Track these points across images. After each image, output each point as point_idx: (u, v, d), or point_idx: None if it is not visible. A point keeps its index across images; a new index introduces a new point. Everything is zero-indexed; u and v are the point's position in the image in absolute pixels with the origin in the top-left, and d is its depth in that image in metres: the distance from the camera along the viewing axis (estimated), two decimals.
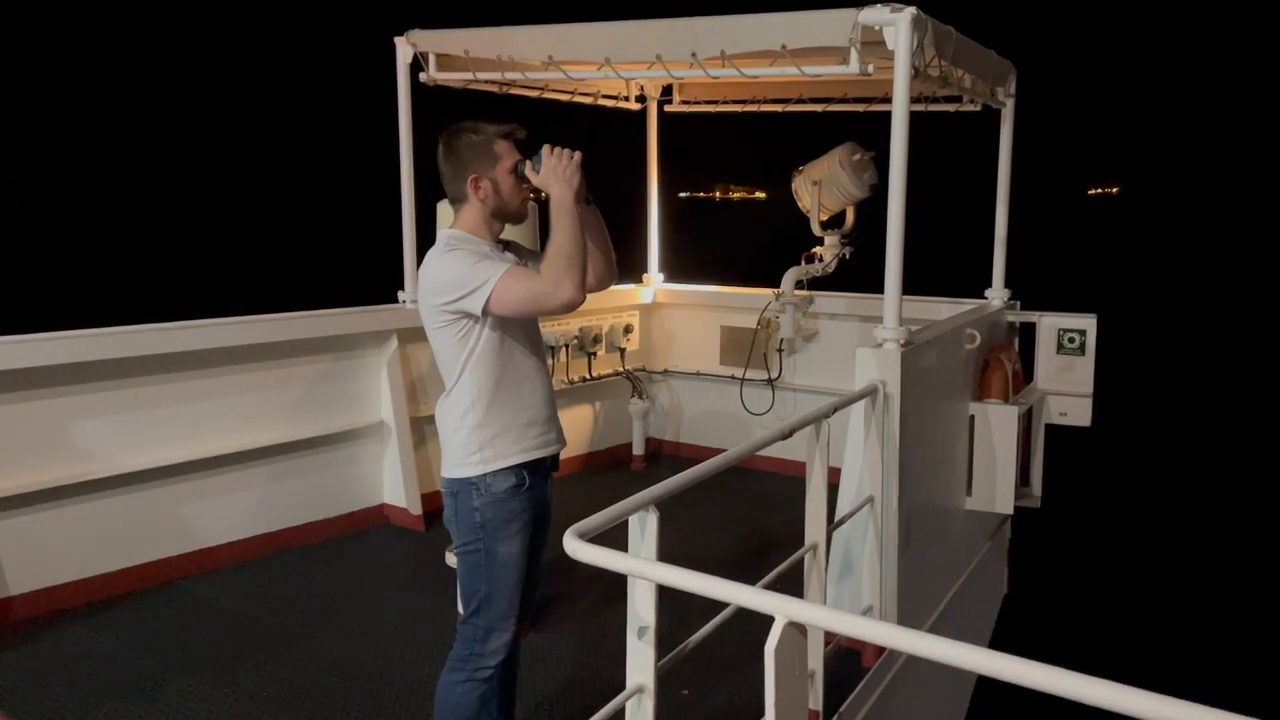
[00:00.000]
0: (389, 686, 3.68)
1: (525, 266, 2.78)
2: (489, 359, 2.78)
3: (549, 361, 4.58)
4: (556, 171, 2.73)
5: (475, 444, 2.78)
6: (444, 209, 4.94)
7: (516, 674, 3.08)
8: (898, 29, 3.63)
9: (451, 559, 2.74)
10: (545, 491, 2.91)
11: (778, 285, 6.19)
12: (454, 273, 2.71)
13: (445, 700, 2.81)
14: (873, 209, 5.47)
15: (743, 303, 6.65)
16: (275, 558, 4.92)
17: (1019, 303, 5.81)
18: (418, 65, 4.86)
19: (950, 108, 5.51)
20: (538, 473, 2.86)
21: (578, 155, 2.76)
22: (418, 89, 4.86)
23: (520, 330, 2.86)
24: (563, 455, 6.63)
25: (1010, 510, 4.98)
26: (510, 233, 3.86)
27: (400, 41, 4.86)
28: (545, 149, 2.77)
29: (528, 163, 2.80)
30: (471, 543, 2.78)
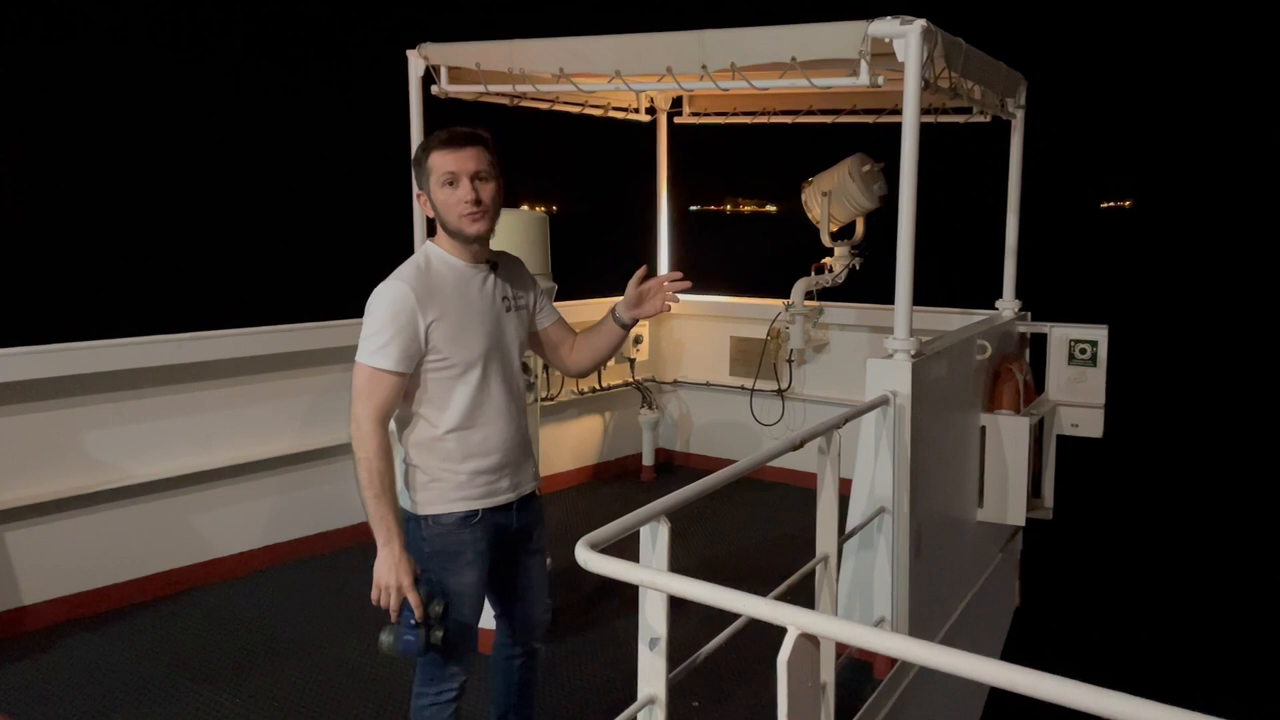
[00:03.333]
0: (397, 695, 3.68)
1: (389, 380, 2.53)
2: (435, 403, 2.63)
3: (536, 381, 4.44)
4: (385, 565, 2.52)
5: (418, 484, 2.66)
6: None
7: (533, 690, 3.05)
8: (908, 41, 3.63)
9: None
10: (509, 519, 2.74)
11: (787, 296, 6.19)
12: (369, 317, 2.58)
13: None
14: (882, 220, 5.47)
15: (752, 313, 6.65)
16: (286, 568, 4.93)
17: (1030, 314, 5.79)
18: (430, 78, 4.88)
19: (960, 119, 5.51)
20: (495, 507, 2.71)
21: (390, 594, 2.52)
22: (430, 101, 4.88)
23: (480, 371, 2.64)
24: (572, 466, 6.68)
25: (1022, 522, 4.96)
26: (524, 243, 3.83)
27: (412, 54, 4.88)
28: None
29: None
30: (422, 572, 2.64)
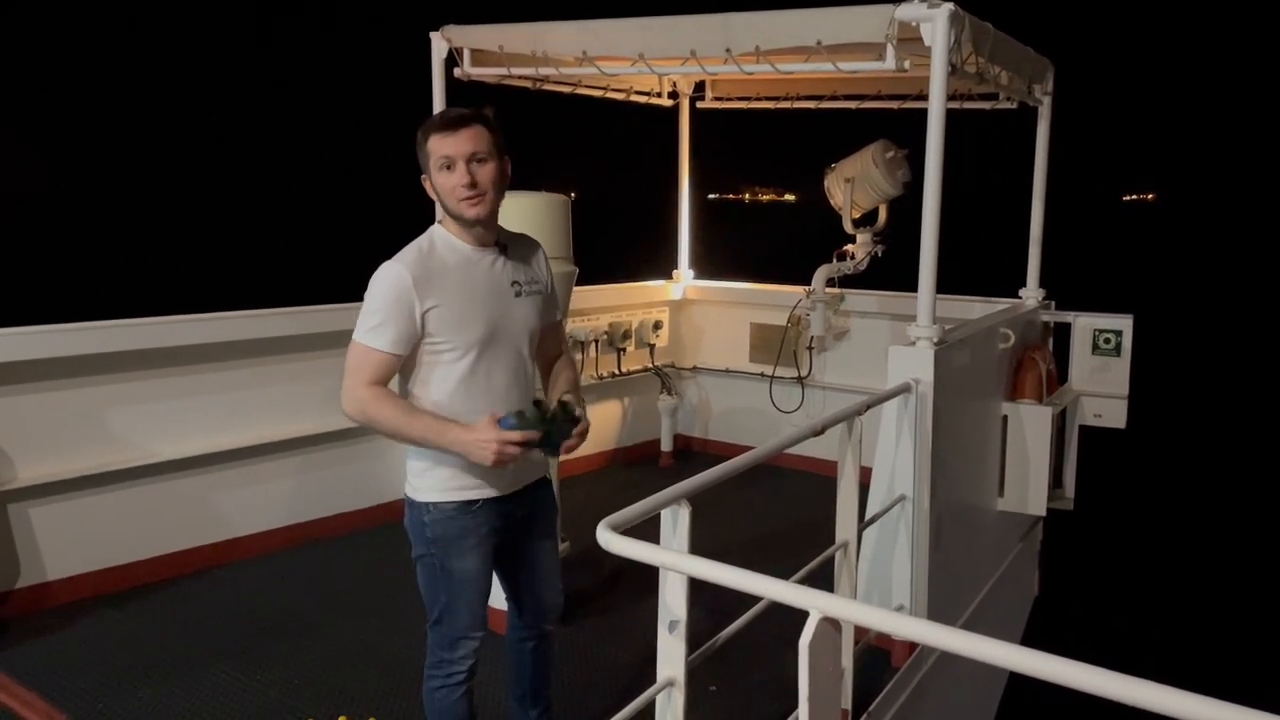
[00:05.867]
0: (413, 673, 3.69)
1: (383, 359, 2.50)
2: (429, 385, 2.59)
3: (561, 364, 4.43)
4: (475, 446, 2.45)
5: (416, 469, 2.64)
6: None
7: (548, 671, 3.05)
8: (935, 25, 3.60)
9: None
10: (514, 506, 2.71)
11: (808, 283, 6.16)
12: (367, 296, 2.55)
13: (431, 706, 2.77)
14: (905, 207, 5.43)
15: (773, 300, 6.62)
16: (305, 548, 4.96)
17: (1054, 303, 5.74)
18: (453, 60, 4.88)
19: (986, 105, 5.45)
20: (497, 496, 2.67)
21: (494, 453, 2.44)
22: (453, 84, 4.87)
23: (478, 355, 2.59)
24: (590, 451, 6.69)
25: (1042, 512, 4.93)
26: (545, 227, 3.80)
27: (435, 37, 4.87)
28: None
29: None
30: (426, 556, 2.66)
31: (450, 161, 2.52)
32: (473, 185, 2.51)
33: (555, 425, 2.52)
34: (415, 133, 2.64)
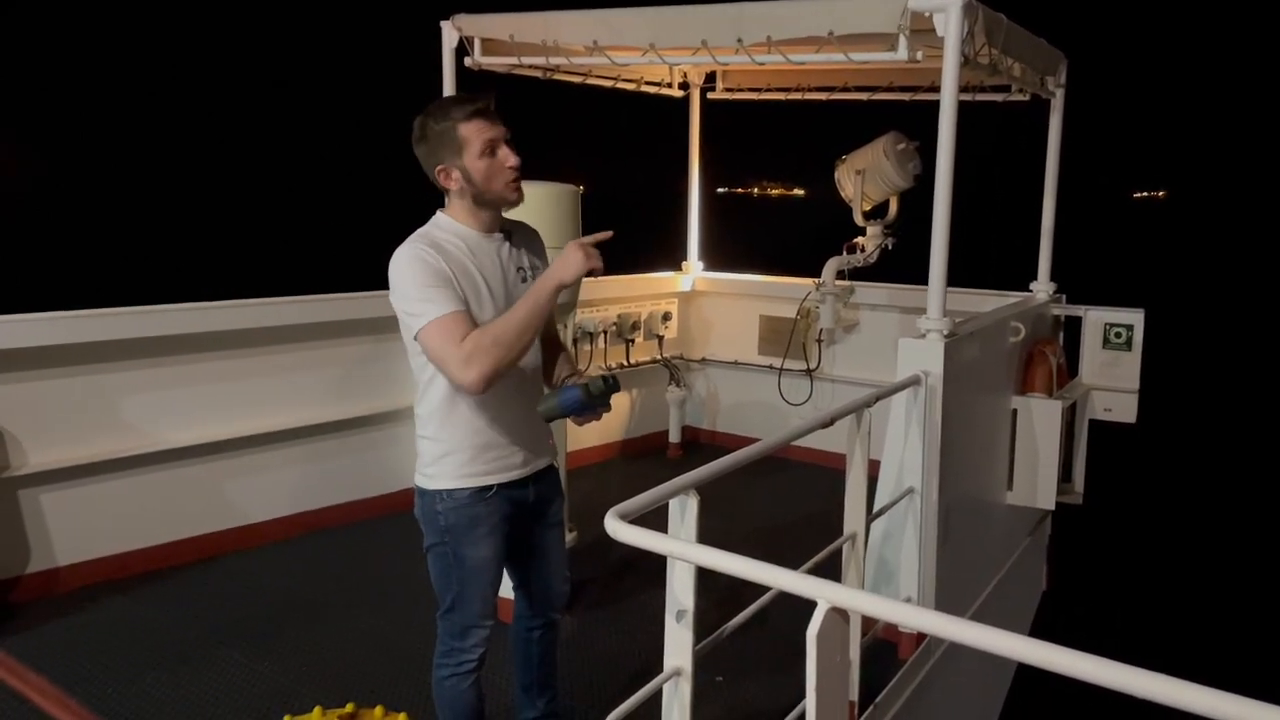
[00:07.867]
0: (422, 661, 3.70)
1: (462, 316, 2.48)
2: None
3: (567, 356, 4.43)
4: (570, 262, 2.51)
5: (429, 456, 2.66)
6: None
7: (554, 660, 3.06)
8: (948, 16, 3.58)
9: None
10: (525, 493, 2.74)
11: (818, 275, 6.15)
12: (405, 285, 2.52)
13: (440, 695, 2.78)
14: (916, 200, 5.40)
15: (782, 292, 6.61)
16: (315, 536, 4.98)
17: (1065, 296, 5.71)
18: (463, 49, 4.87)
19: (998, 97, 5.41)
20: (509, 481, 2.70)
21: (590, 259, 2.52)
22: (463, 73, 4.87)
23: None
24: (598, 441, 6.67)
25: (1051, 506, 4.91)
26: (555, 217, 3.79)
27: (446, 26, 4.87)
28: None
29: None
30: (438, 545, 2.68)
31: (495, 145, 2.55)
32: (518, 167, 2.57)
33: (607, 391, 2.58)
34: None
